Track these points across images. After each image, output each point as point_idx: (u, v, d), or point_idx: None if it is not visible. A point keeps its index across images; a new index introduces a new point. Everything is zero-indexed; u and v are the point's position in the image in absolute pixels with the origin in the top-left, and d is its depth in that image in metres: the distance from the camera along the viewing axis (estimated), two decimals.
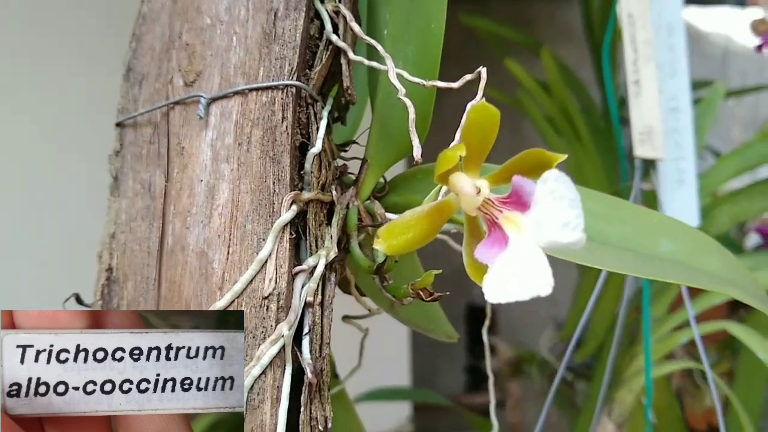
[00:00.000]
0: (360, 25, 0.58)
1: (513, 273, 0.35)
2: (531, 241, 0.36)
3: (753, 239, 1.44)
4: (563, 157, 0.39)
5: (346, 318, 0.66)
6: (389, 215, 0.55)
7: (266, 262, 0.47)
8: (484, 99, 0.39)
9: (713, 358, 1.37)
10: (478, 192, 0.39)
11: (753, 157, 1.02)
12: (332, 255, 0.50)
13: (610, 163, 1.45)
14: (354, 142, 0.60)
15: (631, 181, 0.98)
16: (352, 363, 0.67)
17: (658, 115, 0.89)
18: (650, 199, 0.97)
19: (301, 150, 0.52)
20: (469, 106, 0.40)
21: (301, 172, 0.52)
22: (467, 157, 0.40)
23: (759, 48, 1.04)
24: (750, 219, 1.04)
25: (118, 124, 0.58)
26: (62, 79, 1.30)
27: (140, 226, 0.54)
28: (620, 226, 0.55)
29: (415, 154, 0.46)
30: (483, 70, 0.47)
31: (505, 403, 2.17)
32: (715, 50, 2.58)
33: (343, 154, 0.60)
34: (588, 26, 1.59)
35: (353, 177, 0.58)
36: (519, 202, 0.38)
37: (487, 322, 0.71)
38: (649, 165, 0.94)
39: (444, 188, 0.44)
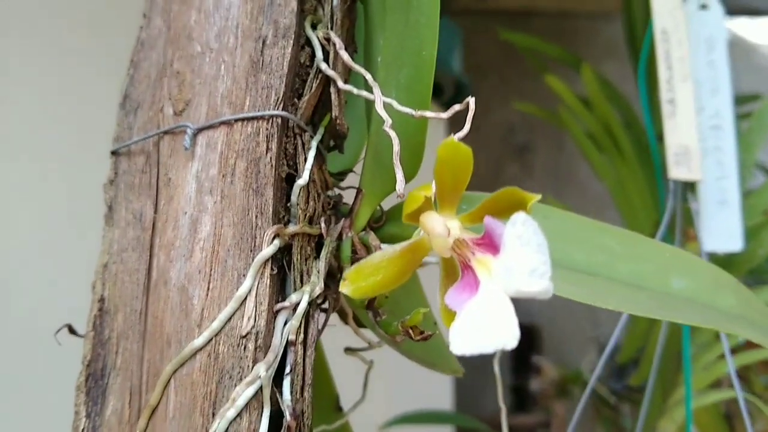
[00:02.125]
0: (356, 51, 0.57)
1: (478, 324, 0.33)
2: (500, 288, 0.34)
3: None
4: (537, 197, 0.36)
5: (348, 350, 0.64)
6: (385, 246, 0.54)
7: (245, 299, 0.46)
8: (453, 137, 0.36)
9: (765, 381, 1.31)
10: (449, 233, 0.37)
11: None
12: (318, 291, 0.48)
13: (655, 180, 1.40)
14: (351, 170, 0.58)
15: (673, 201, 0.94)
16: (375, 394, 0.66)
17: (695, 134, 0.85)
18: (691, 219, 0.93)
19: (288, 181, 0.50)
20: (440, 145, 0.37)
21: (288, 205, 0.50)
22: (441, 195, 0.38)
23: None
24: None
25: (113, 153, 0.57)
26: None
27: (131, 257, 0.53)
28: (633, 263, 0.53)
29: (398, 189, 0.44)
30: (471, 101, 0.45)
31: (550, 424, 2.12)
32: (766, 62, 2.50)
33: (340, 183, 0.58)
34: (631, 41, 1.55)
35: (349, 206, 0.56)
36: (491, 244, 0.36)
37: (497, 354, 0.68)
38: (689, 185, 0.90)
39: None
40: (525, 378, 2.26)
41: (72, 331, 0.57)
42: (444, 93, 1.82)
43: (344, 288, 0.37)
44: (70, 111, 1.32)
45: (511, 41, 1.58)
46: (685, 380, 0.96)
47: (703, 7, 0.94)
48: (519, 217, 0.33)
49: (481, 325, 0.33)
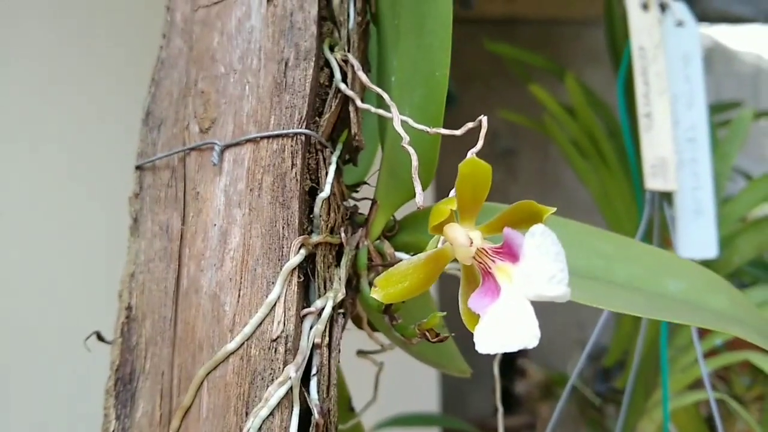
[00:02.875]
0: (369, 71, 0.60)
1: (502, 325, 0.37)
2: (520, 292, 0.37)
3: None
4: (552, 210, 0.40)
5: (360, 353, 0.67)
6: (399, 254, 0.57)
7: (275, 305, 0.49)
8: (474, 155, 0.40)
9: (746, 382, 1.35)
10: (471, 243, 0.40)
11: None
12: (340, 297, 0.52)
13: (638, 186, 1.45)
14: (365, 182, 0.62)
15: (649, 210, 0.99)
16: (363, 397, 0.69)
17: (671, 147, 0.89)
18: (667, 227, 0.97)
19: (310, 194, 0.54)
20: (462, 163, 0.41)
21: (311, 216, 0.53)
22: (461, 207, 0.41)
23: None
24: None
25: (138, 167, 0.60)
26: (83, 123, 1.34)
27: (158, 267, 0.56)
28: (630, 266, 0.56)
29: (417, 201, 0.48)
30: (484, 119, 0.48)
31: (536, 426, 2.16)
32: (747, 69, 2.56)
33: (354, 194, 0.62)
34: (612, 49, 1.59)
35: (364, 217, 0.59)
36: (510, 252, 0.39)
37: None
38: (665, 195, 0.94)
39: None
40: (510, 380, 2.29)
41: (100, 338, 0.60)
42: None
43: (375, 294, 0.41)
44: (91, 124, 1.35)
45: (496, 51, 1.62)
46: (662, 381, 1.00)
47: (680, 24, 0.98)
48: (538, 229, 0.37)
49: (505, 326, 0.37)
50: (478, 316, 0.38)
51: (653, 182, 0.87)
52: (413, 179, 0.49)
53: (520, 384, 2.25)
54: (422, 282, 0.42)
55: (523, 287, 0.37)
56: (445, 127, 0.52)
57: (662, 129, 0.88)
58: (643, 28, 0.90)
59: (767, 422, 1.22)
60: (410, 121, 0.52)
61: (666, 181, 0.87)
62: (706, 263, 1.03)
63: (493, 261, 0.40)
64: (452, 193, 0.45)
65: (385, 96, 0.52)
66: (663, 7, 0.92)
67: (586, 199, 1.69)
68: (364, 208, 0.60)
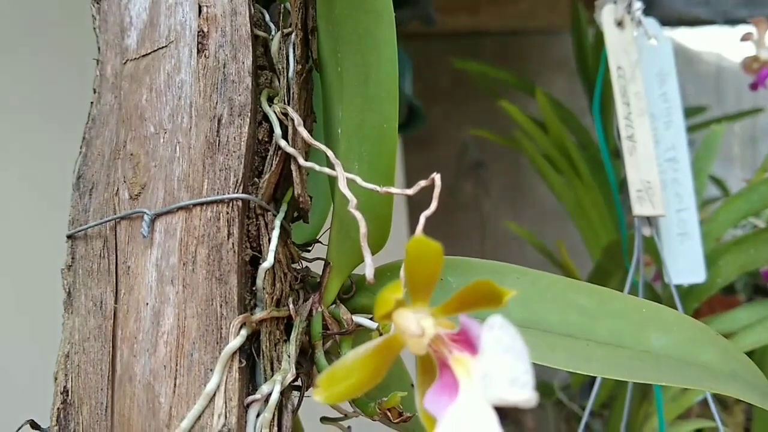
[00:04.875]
0: (315, 121, 0.55)
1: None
2: (480, 394, 0.33)
3: None
4: (513, 292, 0.35)
5: (325, 419, 0.62)
6: (357, 319, 0.52)
7: (214, 395, 0.44)
8: (422, 234, 0.35)
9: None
10: (423, 332, 0.35)
11: (756, 200, 0.97)
12: (289, 378, 0.47)
13: (611, 197, 1.42)
14: (317, 241, 0.57)
15: (630, 229, 0.94)
16: None
17: (656, 169, 0.85)
18: (651, 247, 0.93)
19: (252, 263, 0.49)
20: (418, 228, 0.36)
21: (253, 288, 0.48)
22: (413, 288, 0.37)
23: (753, 86, 1.00)
24: (758, 267, 0.99)
25: (69, 236, 0.55)
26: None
27: (93, 347, 0.51)
28: (610, 321, 0.52)
29: (367, 275, 0.43)
30: (437, 177, 0.44)
31: None
32: (708, 69, 2.55)
33: (306, 254, 0.57)
34: (581, 60, 1.56)
35: (317, 278, 0.54)
36: (468, 342, 0.35)
37: None
38: (644, 219, 0.90)
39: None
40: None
41: (35, 426, 0.55)
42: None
43: (317, 395, 0.36)
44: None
45: (464, 69, 1.58)
46: (657, 412, 0.95)
47: (653, 40, 0.94)
48: (496, 321, 0.32)
49: None
50: (434, 418, 0.34)
51: (641, 209, 0.82)
52: (362, 248, 0.44)
53: None
54: (371, 376, 0.37)
55: (482, 389, 0.32)
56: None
57: (645, 151, 0.84)
58: (619, 47, 0.86)
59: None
60: (358, 180, 0.47)
61: (654, 206, 0.82)
62: (692, 286, 1.00)
63: (450, 352, 0.35)
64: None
65: (330, 154, 0.47)
66: (636, 25, 0.88)
67: (558, 209, 1.67)
68: (317, 267, 0.56)
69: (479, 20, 2.38)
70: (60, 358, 0.54)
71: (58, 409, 0.53)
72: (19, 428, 0.54)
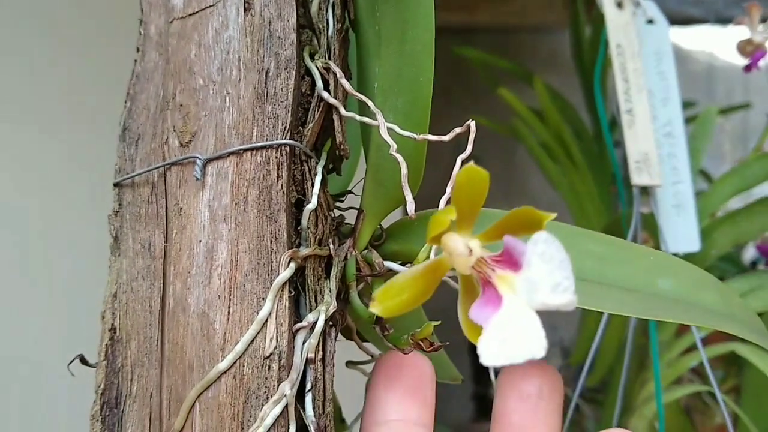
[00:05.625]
0: (351, 78, 0.59)
1: (507, 335, 0.36)
2: (524, 302, 0.37)
3: (750, 252, 1.44)
4: (553, 215, 0.39)
5: (350, 363, 0.66)
6: (388, 264, 0.56)
7: (266, 321, 0.48)
8: (473, 162, 0.39)
9: (719, 375, 1.37)
10: (471, 252, 0.39)
11: (750, 176, 1.02)
12: (332, 309, 0.51)
13: (604, 186, 1.47)
14: (350, 192, 0.61)
15: (629, 207, 0.99)
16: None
17: (653, 142, 0.90)
18: (650, 224, 0.98)
19: (297, 206, 0.53)
20: (456, 169, 0.40)
21: (298, 228, 0.52)
22: (458, 216, 0.40)
23: (747, 68, 1.05)
24: (751, 239, 1.04)
25: (116, 184, 0.58)
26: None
27: (141, 286, 0.55)
28: (620, 267, 0.56)
29: (408, 210, 0.47)
30: (472, 124, 0.48)
31: None
32: (700, 68, 2.61)
33: (339, 204, 0.60)
34: (578, 54, 1.61)
35: (350, 226, 0.58)
36: (511, 261, 0.39)
37: None
38: (645, 190, 0.95)
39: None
40: (486, 386, 2.29)
41: (84, 361, 0.58)
42: None
43: (374, 308, 0.40)
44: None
45: (462, 55, 1.62)
46: (654, 376, 1.00)
47: (650, 21, 0.99)
48: (541, 236, 0.36)
49: (510, 337, 0.36)
50: (480, 327, 0.38)
51: (639, 178, 0.87)
52: (403, 187, 0.48)
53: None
54: (420, 294, 0.41)
55: (526, 296, 0.37)
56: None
57: (643, 124, 0.89)
58: (619, 25, 0.91)
59: (746, 410, 1.23)
60: (396, 128, 0.51)
61: (651, 177, 0.87)
62: (688, 256, 1.05)
63: (493, 270, 0.39)
64: (443, 204, 0.44)
65: (370, 103, 0.51)
66: (635, 6, 0.92)
67: (552, 201, 1.71)
68: (349, 217, 0.59)
69: (474, 16, 2.41)
70: (107, 298, 0.58)
71: (105, 345, 0.56)
72: (70, 362, 0.57)
